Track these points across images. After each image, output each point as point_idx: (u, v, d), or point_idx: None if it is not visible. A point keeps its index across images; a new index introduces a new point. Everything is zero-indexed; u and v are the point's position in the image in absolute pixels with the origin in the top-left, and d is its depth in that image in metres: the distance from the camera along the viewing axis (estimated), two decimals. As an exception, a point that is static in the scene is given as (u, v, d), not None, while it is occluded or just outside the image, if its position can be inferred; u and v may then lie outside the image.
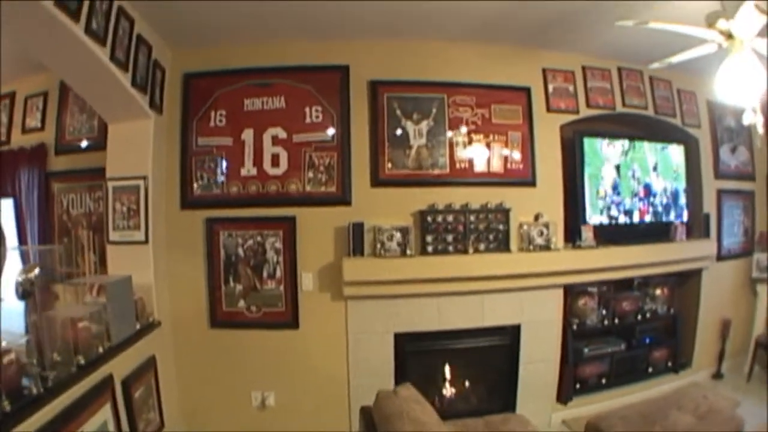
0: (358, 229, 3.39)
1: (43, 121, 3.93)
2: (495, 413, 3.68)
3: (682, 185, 4.36)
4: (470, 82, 3.63)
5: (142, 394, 2.83)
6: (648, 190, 4.16)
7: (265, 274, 3.50)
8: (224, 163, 3.51)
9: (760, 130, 2.56)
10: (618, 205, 4.00)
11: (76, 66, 2.66)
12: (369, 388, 3.48)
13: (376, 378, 3.44)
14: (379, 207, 3.49)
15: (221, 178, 3.50)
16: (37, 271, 2.19)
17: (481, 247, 3.53)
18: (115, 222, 3.23)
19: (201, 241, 3.52)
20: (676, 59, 2.81)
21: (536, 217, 3.65)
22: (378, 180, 3.50)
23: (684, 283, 4.49)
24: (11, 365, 1.82)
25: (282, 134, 3.51)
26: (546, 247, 3.61)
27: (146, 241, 3.20)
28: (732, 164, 4.70)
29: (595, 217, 3.88)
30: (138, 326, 2.93)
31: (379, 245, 3.40)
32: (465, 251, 3.47)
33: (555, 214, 3.71)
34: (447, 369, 3.75)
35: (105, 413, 2.36)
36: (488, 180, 3.60)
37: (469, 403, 3.76)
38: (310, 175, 3.48)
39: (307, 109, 3.51)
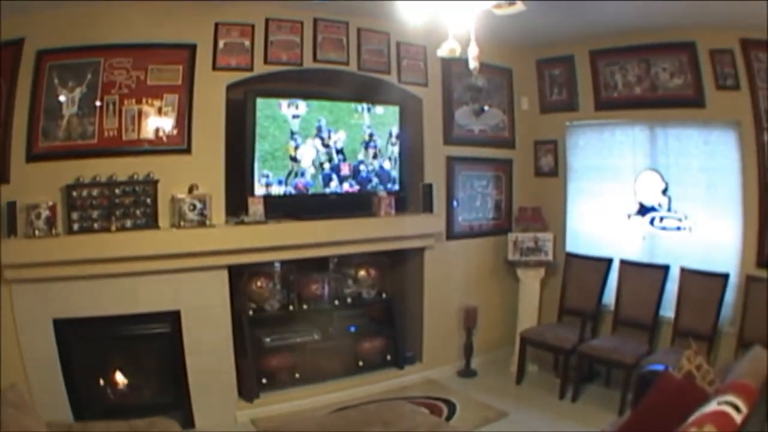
0: (11, 207, 3.29)
1: None
2: (167, 409, 3.32)
3: (391, 151, 3.66)
4: (127, 43, 3.31)
5: None
6: (344, 157, 3.50)
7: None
8: None
9: (473, 64, 2.10)
10: (302, 174, 3.33)
11: None
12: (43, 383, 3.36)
13: (45, 371, 3.27)
14: (33, 183, 3.29)
15: None
16: None
17: (128, 223, 3.19)
18: None
19: None
20: None
21: (190, 189, 3.20)
22: (32, 155, 3.34)
23: (400, 265, 3.77)
24: None
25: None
26: (201, 223, 3.13)
27: None
28: (476, 129, 3.84)
29: (273, 188, 3.30)
30: None
31: (28, 225, 3.26)
32: (108, 229, 3.16)
33: (214, 185, 3.24)
34: (113, 360, 3.43)
35: None
36: (136, 149, 3.26)
37: (142, 397, 3.42)
38: (-27, 154, 3.47)
39: (-22, 88, 3.51)
